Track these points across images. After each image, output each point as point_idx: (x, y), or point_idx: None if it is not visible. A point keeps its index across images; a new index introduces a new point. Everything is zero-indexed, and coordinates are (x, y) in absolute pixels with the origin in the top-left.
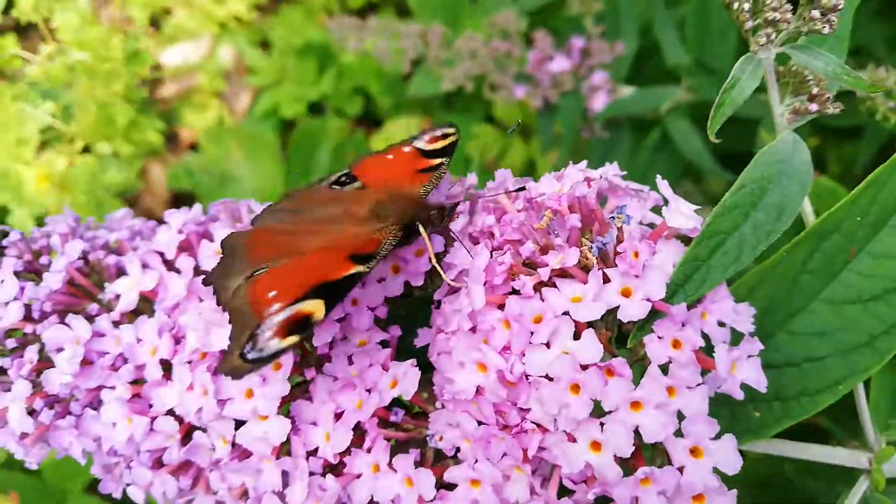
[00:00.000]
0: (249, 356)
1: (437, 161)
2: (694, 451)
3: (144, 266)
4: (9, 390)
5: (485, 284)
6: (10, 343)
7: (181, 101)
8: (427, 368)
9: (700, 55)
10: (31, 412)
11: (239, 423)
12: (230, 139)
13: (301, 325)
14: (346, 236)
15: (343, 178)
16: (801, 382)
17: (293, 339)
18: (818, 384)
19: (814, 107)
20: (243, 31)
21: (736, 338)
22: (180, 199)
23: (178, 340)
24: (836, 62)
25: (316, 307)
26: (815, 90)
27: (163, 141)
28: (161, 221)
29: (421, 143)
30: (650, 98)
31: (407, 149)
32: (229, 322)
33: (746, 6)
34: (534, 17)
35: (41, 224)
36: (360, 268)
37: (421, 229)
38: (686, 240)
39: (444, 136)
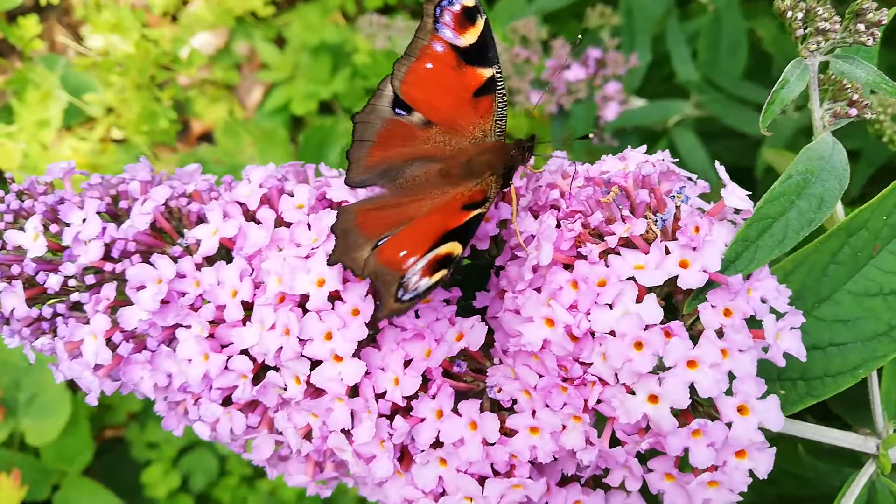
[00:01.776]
0: (405, 298)
1: (488, 73)
2: (741, 409)
3: (225, 215)
4: (85, 324)
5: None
6: (89, 279)
7: (194, 92)
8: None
9: (709, 73)
10: (110, 345)
11: (313, 365)
12: (244, 133)
13: (444, 263)
14: (454, 196)
15: (396, 104)
16: (824, 365)
17: (441, 273)
18: (840, 367)
19: (853, 111)
20: (259, 26)
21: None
22: None
23: (256, 286)
24: (876, 72)
25: (453, 247)
26: (854, 96)
27: (175, 130)
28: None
29: (449, 34)
30: (660, 111)
31: (439, 48)
32: (371, 284)
33: (800, 15)
34: (552, 24)
35: None
36: (480, 210)
37: (512, 189)
38: (734, 222)
39: (466, 13)
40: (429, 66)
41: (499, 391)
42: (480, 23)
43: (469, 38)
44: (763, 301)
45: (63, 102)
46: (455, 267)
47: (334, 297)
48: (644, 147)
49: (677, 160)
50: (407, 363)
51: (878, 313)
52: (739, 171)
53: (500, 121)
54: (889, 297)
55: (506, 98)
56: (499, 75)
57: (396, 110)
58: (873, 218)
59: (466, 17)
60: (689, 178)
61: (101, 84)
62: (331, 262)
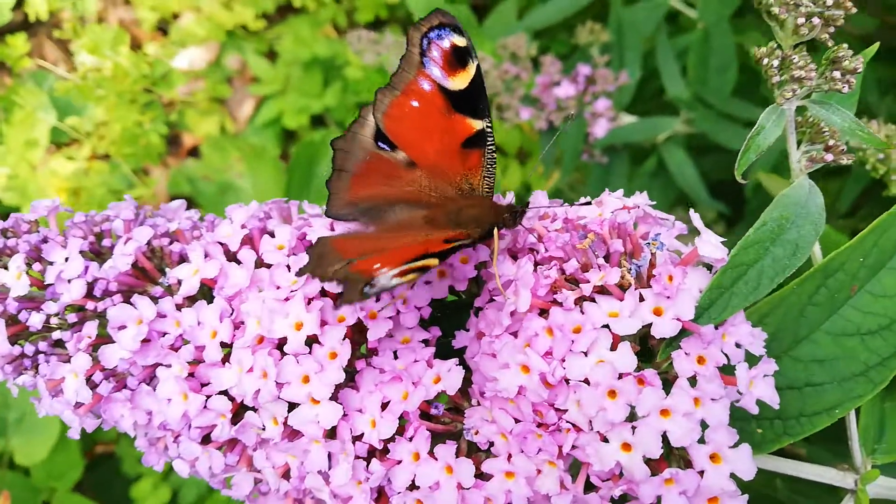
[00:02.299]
0: (369, 291)
1: (478, 125)
2: (714, 458)
3: (206, 255)
4: (66, 362)
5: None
6: (71, 318)
7: (184, 106)
8: (461, 366)
9: (699, 90)
10: (90, 384)
11: (290, 406)
12: (232, 148)
13: (418, 271)
14: (437, 237)
15: (379, 137)
16: (800, 404)
17: (411, 276)
18: (816, 407)
19: (829, 157)
20: (250, 40)
21: (748, 358)
22: None
23: (236, 326)
24: (852, 119)
25: (430, 262)
26: (830, 142)
27: (165, 144)
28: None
29: (437, 73)
30: (649, 128)
31: (426, 85)
32: (337, 287)
33: (776, 63)
34: (543, 37)
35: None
36: (462, 241)
37: (495, 233)
38: (709, 266)
39: (457, 54)
40: (415, 103)
41: (476, 433)
42: (472, 68)
43: (459, 82)
44: (738, 346)
45: (48, 123)
46: (436, 304)
47: (312, 339)
48: (621, 191)
49: (666, 178)
50: (385, 405)
51: (856, 353)
52: (728, 187)
53: (489, 178)
54: (867, 337)
55: (495, 155)
56: (489, 129)
57: (379, 144)
58: (850, 260)
59: (457, 58)
60: (665, 220)
61: (87, 103)
62: (300, 273)
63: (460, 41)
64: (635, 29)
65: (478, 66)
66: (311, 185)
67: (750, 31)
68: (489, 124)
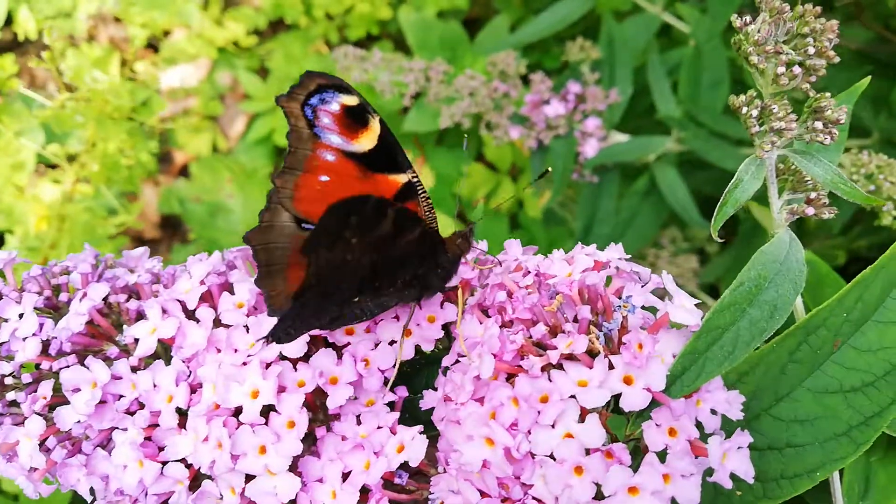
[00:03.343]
0: None
1: (402, 179)
2: None
3: (164, 311)
4: (20, 423)
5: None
6: (25, 377)
7: (175, 123)
8: (428, 425)
9: (690, 108)
10: (44, 448)
11: (249, 478)
12: (223, 169)
13: None
14: None
15: (299, 220)
16: (781, 466)
17: None
18: (797, 469)
19: (810, 210)
20: (242, 56)
21: (725, 422)
22: (171, 222)
23: (193, 389)
24: (834, 171)
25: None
26: (812, 194)
27: (155, 162)
28: (147, 249)
29: (337, 140)
30: (640, 147)
31: (330, 157)
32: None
33: (755, 113)
34: (534, 51)
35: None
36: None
37: (459, 290)
38: (683, 326)
39: (352, 114)
40: (324, 178)
41: None
42: (375, 124)
43: (365, 142)
44: (714, 412)
45: (34, 149)
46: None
47: (270, 407)
48: (594, 246)
49: (658, 197)
50: (346, 475)
51: (838, 412)
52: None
53: (431, 224)
54: (850, 394)
55: (430, 201)
56: (415, 179)
57: (303, 226)
58: (832, 316)
59: (353, 119)
60: (639, 273)
61: (71, 128)
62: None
63: (351, 100)
64: (626, 45)
65: (381, 120)
66: None
67: None
68: (414, 174)
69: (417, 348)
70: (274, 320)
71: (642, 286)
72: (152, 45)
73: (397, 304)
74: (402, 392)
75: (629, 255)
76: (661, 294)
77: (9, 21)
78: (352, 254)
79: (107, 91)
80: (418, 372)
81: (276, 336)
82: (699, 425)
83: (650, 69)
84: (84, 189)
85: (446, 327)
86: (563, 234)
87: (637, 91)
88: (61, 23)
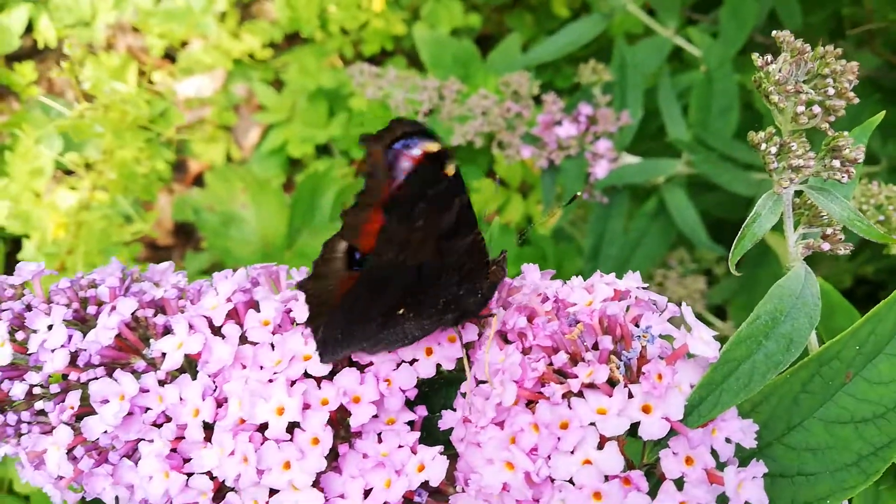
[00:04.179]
0: None
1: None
2: None
3: (191, 327)
4: (48, 433)
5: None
6: (53, 388)
7: (191, 132)
8: (446, 444)
9: (700, 133)
10: (72, 457)
11: (273, 489)
12: (237, 179)
13: None
14: None
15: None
16: (791, 494)
17: None
18: (808, 497)
19: (826, 246)
20: (257, 68)
21: (738, 450)
22: (184, 230)
23: (219, 404)
24: (850, 208)
25: None
26: (828, 230)
27: (171, 171)
28: (168, 263)
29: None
30: (651, 170)
31: None
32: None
33: (773, 150)
34: (546, 71)
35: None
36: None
37: (493, 320)
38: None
39: (431, 160)
40: None
41: None
42: (451, 168)
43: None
44: (728, 441)
45: (51, 156)
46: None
47: (294, 423)
48: (612, 275)
49: (667, 219)
50: (367, 492)
51: (849, 443)
52: (730, 226)
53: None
54: (860, 425)
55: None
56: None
57: (353, 268)
58: (846, 349)
59: (431, 161)
60: (656, 302)
61: (89, 137)
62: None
63: (433, 146)
64: (638, 68)
65: (457, 167)
66: (314, 217)
67: (751, 71)
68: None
69: (437, 367)
70: (299, 339)
71: (659, 315)
72: (169, 56)
73: (436, 330)
74: (422, 412)
75: (646, 285)
76: (678, 322)
77: (28, 29)
78: (411, 241)
79: (125, 101)
80: (436, 392)
81: (322, 352)
82: (714, 453)
83: (661, 92)
84: (100, 197)
85: (466, 348)
86: (572, 251)
87: (647, 114)
88: (80, 31)
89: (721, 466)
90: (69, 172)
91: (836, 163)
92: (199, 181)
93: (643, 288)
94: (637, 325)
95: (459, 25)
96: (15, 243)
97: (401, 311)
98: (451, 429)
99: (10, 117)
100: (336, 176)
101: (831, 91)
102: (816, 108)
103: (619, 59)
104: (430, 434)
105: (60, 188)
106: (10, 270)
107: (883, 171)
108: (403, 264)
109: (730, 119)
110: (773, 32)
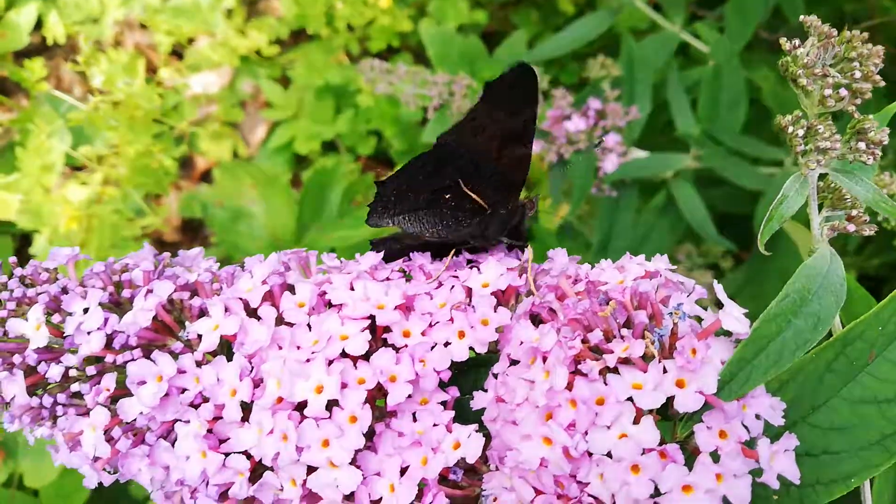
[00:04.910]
0: None
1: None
2: None
3: (226, 309)
4: (83, 414)
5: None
6: (90, 370)
7: (198, 129)
8: (478, 425)
9: (709, 127)
10: (109, 438)
11: (310, 469)
12: (244, 175)
13: None
14: None
15: None
16: (817, 472)
17: None
18: (833, 475)
19: (851, 227)
20: (264, 65)
21: (766, 427)
22: (192, 226)
23: (256, 384)
24: (876, 190)
25: None
26: (853, 212)
27: (178, 168)
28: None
29: None
30: (659, 164)
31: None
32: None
33: (801, 132)
34: (553, 66)
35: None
36: None
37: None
38: (728, 332)
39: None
40: None
41: (494, 500)
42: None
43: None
44: (757, 417)
45: (62, 150)
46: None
47: (332, 402)
48: (643, 257)
49: (675, 213)
50: (403, 470)
51: (872, 421)
52: (737, 220)
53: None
54: (883, 405)
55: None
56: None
57: None
58: (869, 329)
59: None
60: (684, 283)
61: (99, 132)
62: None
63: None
64: (645, 63)
65: (535, 79)
66: (322, 212)
67: (759, 68)
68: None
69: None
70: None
71: (687, 296)
72: (177, 52)
73: (466, 244)
74: (454, 392)
75: (674, 267)
76: (704, 305)
77: (37, 25)
78: (487, 129)
79: (137, 95)
80: (466, 374)
81: (381, 247)
82: (747, 433)
83: (669, 87)
84: (110, 191)
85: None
86: (578, 247)
87: (655, 109)
88: (89, 28)
89: (750, 444)
90: (78, 168)
91: (862, 145)
92: (206, 178)
93: (672, 270)
94: (665, 306)
95: (465, 22)
96: (23, 239)
97: (448, 196)
98: (482, 410)
99: (19, 114)
100: (343, 171)
101: (858, 74)
102: (843, 91)
103: (627, 53)
104: (460, 415)
105: (70, 183)
106: (21, 266)
107: (889, 165)
108: (470, 151)
109: (738, 113)
110: (801, 17)
